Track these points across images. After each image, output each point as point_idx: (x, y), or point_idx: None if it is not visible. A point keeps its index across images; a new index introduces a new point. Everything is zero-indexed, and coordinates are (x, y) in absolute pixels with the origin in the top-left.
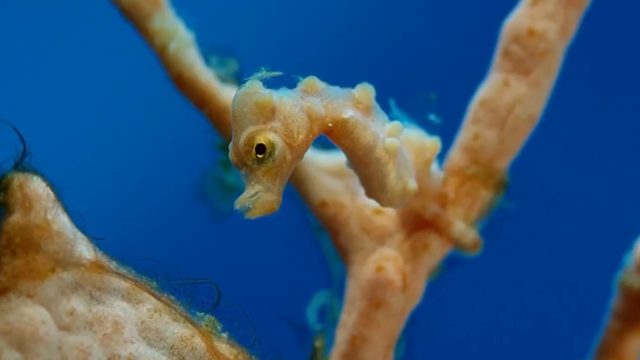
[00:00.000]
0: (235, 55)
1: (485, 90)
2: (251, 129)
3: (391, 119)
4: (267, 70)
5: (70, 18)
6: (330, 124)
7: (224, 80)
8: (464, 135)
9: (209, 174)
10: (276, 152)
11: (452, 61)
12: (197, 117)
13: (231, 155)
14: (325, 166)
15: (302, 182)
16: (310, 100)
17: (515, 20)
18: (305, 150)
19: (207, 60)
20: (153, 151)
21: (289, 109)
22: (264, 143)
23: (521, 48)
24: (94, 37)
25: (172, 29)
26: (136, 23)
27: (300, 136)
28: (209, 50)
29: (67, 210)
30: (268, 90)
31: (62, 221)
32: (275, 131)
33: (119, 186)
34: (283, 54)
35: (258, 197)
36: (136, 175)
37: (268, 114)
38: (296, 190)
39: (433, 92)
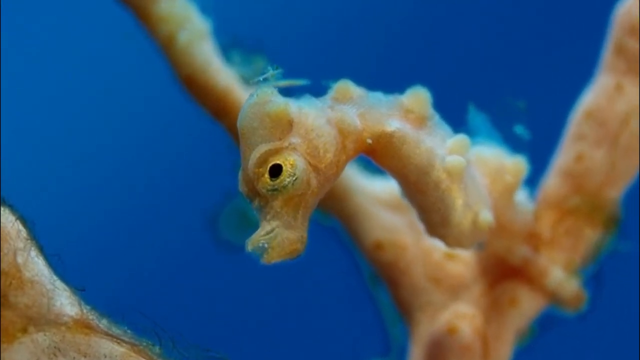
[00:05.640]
0: (263, 51)
1: (591, 98)
2: (263, 147)
3: (467, 131)
4: (276, 68)
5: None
6: (370, 140)
7: (248, 82)
8: (564, 156)
9: (229, 207)
10: (297, 176)
11: (548, 59)
12: (214, 130)
13: (240, 184)
14: (381, 197)
15: (352, 217)
16: (341, 109)
17: (632, 6)
18: (336, 175)
19: (227, 57)
20: (155, 175)
21: (311, 120)
22: (280, 164)
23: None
24: (77, 30)
25: (183, 15)
26: (136, 6)
27: (328, 155)
28: (230, 44)
29: (44, 251)
30: (284, 99)
31: (36, 266)
32: (295, 149)
33: (111, 220)
34: (321, 47)
35: (276, 234)
36: (133, 205)
37: (285, 128)
38: (344, 228)
39: (521, 98)
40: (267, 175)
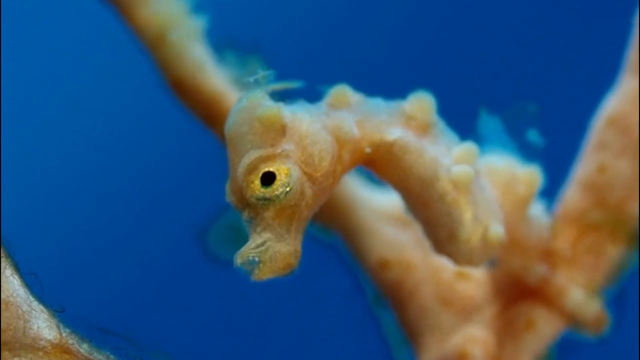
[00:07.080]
0: (259, 51)
1: (615, 103)
2: (254, 153)
3: (476, 138)
4: (267, 69)
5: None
6: (369, 149)
7: (244, 86)
8: (584, 166)
9: (220, 220)
10: (291, 185)
11: (565, 59)
12: (205, 138)
13: (228, 194)
14: (386, 211)
15: (354, 233)
16: (338, 116)
17: None
18: (332, 185)
19: (221, 58)
20: (141, 186)
21: (305, 126)
22: (273, 172)
23: None
24: (58, 33)
25: (172, 15)
26: (122, 6)
27: (324, 163)
28: (225, 44)
29: (20, 270)
30: (275, 103)
31: (12, 286)
32: (288, 156)
33: (94, 236)
34: (318, 49)
35: (267, 247)
36: (118, 220)
37: (277, 133)
38: (346, 245)
39: (535, 101)
40: (257, 183)
